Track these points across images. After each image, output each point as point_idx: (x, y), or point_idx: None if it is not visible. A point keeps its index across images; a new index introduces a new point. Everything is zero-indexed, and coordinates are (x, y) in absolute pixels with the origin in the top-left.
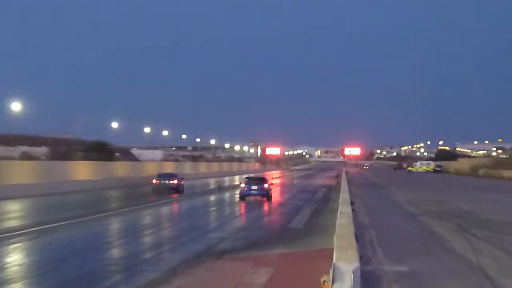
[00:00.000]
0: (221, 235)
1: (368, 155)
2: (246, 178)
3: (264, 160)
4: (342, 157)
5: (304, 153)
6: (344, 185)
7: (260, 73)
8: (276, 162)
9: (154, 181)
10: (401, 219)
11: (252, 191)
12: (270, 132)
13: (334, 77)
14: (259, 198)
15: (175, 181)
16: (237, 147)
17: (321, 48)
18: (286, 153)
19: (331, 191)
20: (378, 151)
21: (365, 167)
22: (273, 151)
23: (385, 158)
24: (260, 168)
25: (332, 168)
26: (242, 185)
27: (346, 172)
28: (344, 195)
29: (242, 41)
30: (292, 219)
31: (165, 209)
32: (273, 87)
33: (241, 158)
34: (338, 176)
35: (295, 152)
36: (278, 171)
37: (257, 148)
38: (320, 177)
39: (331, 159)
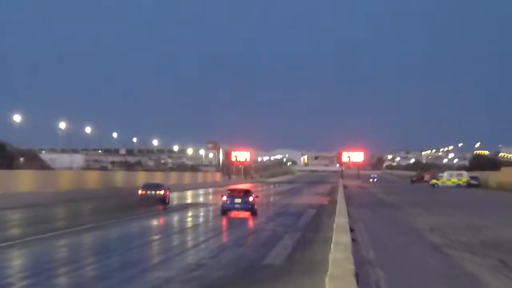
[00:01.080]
0: (166, 275)
1: (376, 163)
2: (229, 190)
3: (228, 169)
4: (338, 165)
5: (284, 159)
6: (341, 205)
7: (224, 56)
8: (245, 172)
9: (139, 191)
10: (421, 253)
11: (236, 205)
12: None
13: (325, 61)
14: (243, 212)
15: (161, 192)
16: (189, 151)
17: (308, 21)
18: (259, 159)
19: (323, 213)
20: (390, 157)
21: (372, 180)
22: (240, 156)
23: (399, 167)
24: (222, 181)
25: (324, 181)
26: (224, 198)
27: (344, 187)
28: (340, 219)
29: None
30: (268, 252)
31: (110, 232)
32: (242, 73)
33: (195, 166)
34: (332, 192)
35: (272, 158)
36: (247, 185)
37: (218, 152)
38: (307, 193)
39: (323, 168)
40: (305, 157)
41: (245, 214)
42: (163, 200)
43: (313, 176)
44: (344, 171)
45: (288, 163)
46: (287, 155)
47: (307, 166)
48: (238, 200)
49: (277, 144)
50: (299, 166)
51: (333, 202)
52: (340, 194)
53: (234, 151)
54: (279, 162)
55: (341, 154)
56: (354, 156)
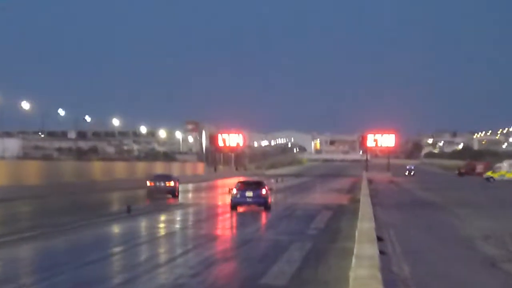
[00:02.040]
0: None
1: (411, 149)
2: (239, 182)
3: (213, 158)
4: (361, 153)
5: (289, 144)
6: (365, 206)
7: (207, 17)
8: (237, 162)
9: (148, 183)
10: (472, 271)
11: (247, 199)
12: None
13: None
14: (255, 207)
15: (171, 183)
16: (162, 133)
17: None
18: (256, 144)
19: (341, 216)
20: (430, 141)
21: (407, 172)
22: (230, 140)
23: (442, 155)
24: (206, 173)
25: (342, 174)
26: (234, 191)
27: (370, 181)
28: (365, 225)
29: None
30: (267, 268)
31: (56, 242)
32: (230, 38)
33: (170, 154)
34: (354, 189)
35: (274, 143)
36: (238, 178)
37: (200, 136)
38: (320, 190)
39: (341, 156)
40: (317, 141)
41: (258, 209)
42: (173, 192)
43: (328, 167)
44: (369, 160)
45: (295, 150)
46: (292, 139)
47: (319, 154)
48: (249, 194)
49: (280, 125)
50: (309, 153)
51: (355, 202)
52: (364, 191)
53: (222, 133)
54: (283, 148)
55: (366, 138)
56: (383, 140)
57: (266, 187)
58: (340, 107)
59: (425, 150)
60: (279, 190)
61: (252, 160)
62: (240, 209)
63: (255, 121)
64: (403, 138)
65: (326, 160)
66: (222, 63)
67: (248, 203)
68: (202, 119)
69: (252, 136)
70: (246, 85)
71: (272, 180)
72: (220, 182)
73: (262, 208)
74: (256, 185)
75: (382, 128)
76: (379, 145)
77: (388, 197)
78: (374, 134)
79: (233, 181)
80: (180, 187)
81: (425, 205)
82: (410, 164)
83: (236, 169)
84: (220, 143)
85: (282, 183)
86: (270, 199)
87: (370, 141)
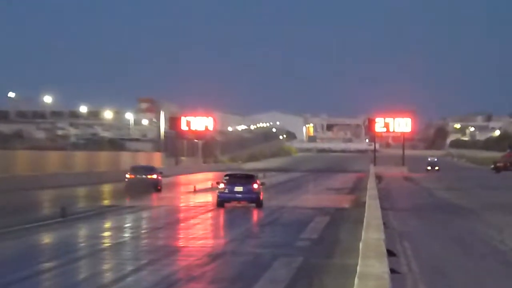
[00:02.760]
0: None
1: (434, 137)
2: (227, 175)
3: (175, 147)
4: (367, 141)
5: (274, 129)
6: (372, 210)
7: None
8: (205, 152)
9: (127, 176)
10: None
11: (237, 195)
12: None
13: None
14: (245, 203)
15: (154, 176)
16: (108, 115)
17: None
18: (230, 129)
19: (341, 223)
20: (457, 126)
21: (429, 167)
22: (197, 123)
23: (473, 144)
24: (165, 167)
25: (343, 168)
26: (221, 185)
27: (379, 178)
28: (371, 235)
29: None
30: None
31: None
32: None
33: (118, 142)
34: (358, 188)
35: (254, 128)
36: (207, 174)
37: (158, 118)
38: (315, 189)
39: (341, 145)
40: (310, 126)
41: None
42: (156, 186)
43: (325, 159)
44: (378, 151)
45: (281, 136)
46: (278, 123)
47: (313, 142)
48: (239, 188)
49: (263, 105)
50: (299, 141)
51: (359, 205)
52: (371, 191)
53: (187, 115)
54: (265, 134)
55: (373, 122)
56: (396, 125)
57: (258, 181)
58: (340, 83)
59: (451, 138)
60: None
61: (225, 149)
62: (222, 210)
63: (230, 100)
64: (422, 122)
65: (322, 150)
66: (188, 30)
67: (237, 199)
68: (160, 97)
69: (226, 119)
70: (219, 55)
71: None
72: (183, 178)
73: (254, 205)
74: (247, 179)
75: (395, 109)
76: (391, 131)
77: (402, 199)
78: (385, 117)
79: (200, 177)
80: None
81: (451, 209)
82: (432, 156)
83: (204, 161)
84: (184, 127)
85: (266, 179)
86: (262, 195)
87: (380, 125)
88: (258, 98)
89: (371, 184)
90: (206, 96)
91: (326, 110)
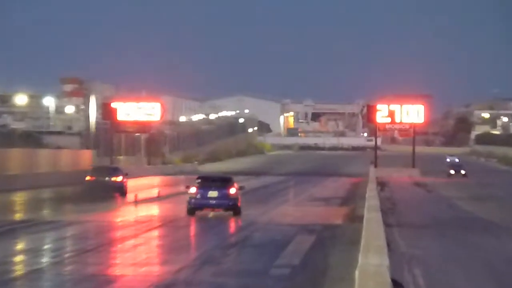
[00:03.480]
0: None
1: (454, 129)
2: (199, 178)
3: (110, 142)
4: (365, 134)
5: (241, 120)
6: (373, 227)
7: None
8: (150, 150)
9: (87, 177)
10: None
11: (210, 200)
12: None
13: None
14: (220, 211)
15: (119, 178)
16: (21, 99)
17: None
18: (183, 118)
19: (330, 244)
20: (485, 116)
21: (452, 170)
22: (139, 112)
23: (506, 139)
24: (95, 165)
25: (333, 171)
26: (193, 189)
27: (382, 185)
28: (371, 260)
29: None
30: None
31: None
32: None
33: (35, 135)
34: (352, 197)
35: (215, 117)
36: (153, 179)
37: (87, 104)
38: (296, 199)
39: (331, 141)
40: (290, 115)
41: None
42: (121, 189)
43: (309, 158)
44: (381, 148)
45: (251, 129)
46: (247, 111)
47: (294, 136)
48: (213, 194)
49: (226, 87)
50: (276, 135)
51: (355, 220)
52: (371, 202)
53: (126, 100)
54: (230, 125)
55: (374, 109)
56: (404, 113)
57: (236, 185)
58: (329, 60)
59: (477, 131)
60: None
61: (177, 146)
62: (193, 218)
63: (184, 81)
64: (439, 110)
65: (305, 147)
66: None
67: (211, 206)
68: (91, 77)
69: (179, 105)
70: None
71: None
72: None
73: (231, 212)
74: (222, 182)
75: (403, 93)
76: (397, 121)
77: (412, 212)
78: (389, 103)
79: (144, 182)
80: (52, 193)
81: (478, 226)
82: (452, 155)
83: (149, 162)
84: (122, 117)
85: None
86: (240, 201)
87: (383, 114)
88: (221, 78)
89: (371, 192)
90: (152, 75)
91: (311, 95)
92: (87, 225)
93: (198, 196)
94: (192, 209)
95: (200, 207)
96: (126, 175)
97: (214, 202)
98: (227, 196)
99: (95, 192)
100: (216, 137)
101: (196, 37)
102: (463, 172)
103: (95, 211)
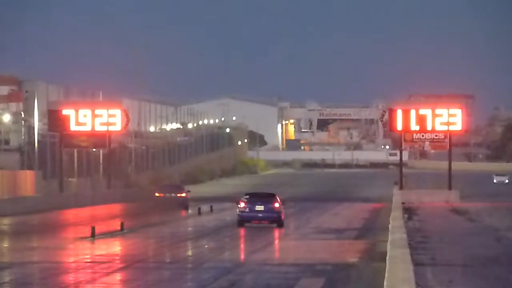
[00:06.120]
0: None
1: (502, 138)
2: (247, 194)
3: (58, 161)
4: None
5: (227, 128)
6: (398, 266)
7: None
8: (111, 169)
9: (157, 194)
10: None
11: (258, 214)
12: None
13: None
14: (267, 223)
15: (183, 194)
16: None
17: None
18: (153, 128)
19: None
20: None
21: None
22: (96, 120)
23: None
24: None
25: (346, 194)
26: (242, 204)
27: (409, 211)
28: None
29: None
30: None
31: None
32: None
33: None
34: (371, 228)
35: (194, 126)
36: (113, 207)
37: (30, 110)
38: (298, 231)
39: (343, 156)
40: (290, 122)
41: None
42: (185, 204)
43: (315, 178)
44: (407, 164)
45: (239, 142)
46: (235, 118)
47: (295, 150)
48: (260, 207)
49: (208, 88)
50: (271, 149)
51: (375, 258)
52: (396, 235)
53: (77, 107)
54: (213, 137)
55: (394, 113)
56: (437, 119)
57: (279, 200)
58: (341, 54)
59: None
60: (210, 231)
61: (145, 164)
62: (242, 229)
63: (153, 81)
64: (483, 115)
65: (310, 165)
66: None
67: (258, 219)
68: (33, 76)
69: (147, 111)
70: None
71: (191, 211)
72: (72, 214)
73: (275, 225)
74: (268, 198)
75: (433, 93)
76: (428, 129)
77: (449, 247)
78: (418, 106)
79: (102, 212)
80: None
81: None
82: (501, 173)
83: (109, 185)
84: (73, 127)
85: (217, 214)
86: (284, 214)
87: (410, 121)
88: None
89: (396, 221)
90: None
91: (315, 96)
92: (26, 268)
93: (247, 209)
94: (241, 221)
95: (248, 219)
96: (188, 191)
97: (261, 215)
98: (273, 209)
99: (164, 206)
100: (195, 152)
101: (169, 30)
102: None
103: (36, 250)
